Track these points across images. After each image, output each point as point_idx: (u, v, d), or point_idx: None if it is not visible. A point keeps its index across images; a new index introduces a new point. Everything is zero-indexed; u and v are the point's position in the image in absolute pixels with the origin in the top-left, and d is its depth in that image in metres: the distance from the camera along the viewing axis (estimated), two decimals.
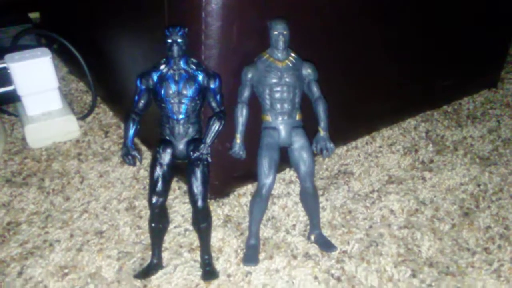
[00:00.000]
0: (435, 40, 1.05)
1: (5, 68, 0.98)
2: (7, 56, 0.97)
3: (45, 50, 0.99)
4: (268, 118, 0.75)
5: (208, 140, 0.70)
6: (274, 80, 0.73)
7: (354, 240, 0.80)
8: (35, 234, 0.79)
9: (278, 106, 0.74)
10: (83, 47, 1.07)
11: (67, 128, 1.02)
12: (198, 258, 0.75)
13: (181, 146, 0.71)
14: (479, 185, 0.94)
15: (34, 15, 1.35)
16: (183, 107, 0.70)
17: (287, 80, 0.73)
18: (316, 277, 0.74)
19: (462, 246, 0.81)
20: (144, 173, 0.93)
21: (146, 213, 0.83)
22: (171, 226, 0.80)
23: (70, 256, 0.76)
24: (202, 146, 0.70)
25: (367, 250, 0.79)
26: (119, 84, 1.04)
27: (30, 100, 1.00)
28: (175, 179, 0.89)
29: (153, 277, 0.73)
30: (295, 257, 0.77)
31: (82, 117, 1.09)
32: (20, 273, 0.73)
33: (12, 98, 1.04)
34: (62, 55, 1.24)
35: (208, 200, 0.73)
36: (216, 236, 0.80)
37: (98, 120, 1.09)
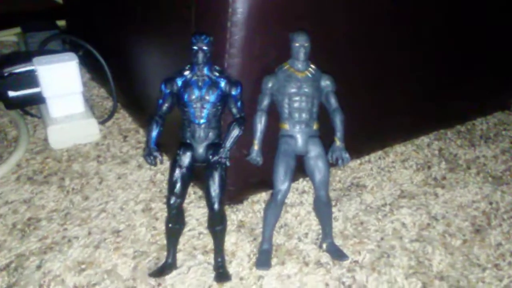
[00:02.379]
0: (452, 62, 1.06)
1: (32, 71, 1.02)
2: (35, 59, 1.00)
3: (72, 54, 1.02)
4: (286, 126, 0.77)
5: (228, 144, 0.72)
6: (293, 90, 0.76)
7: (366, 251, 0.81)
8: (54, 230, 0.82)
9: (296, 115, 0.76)
10: (106, 54, 1.11)
11: (88, 131, 1.05)
12: (212, 261, 0.76)
13: (201, 149, 0.74)
14: (491, 203, 0.95)
15: (61, 23, 1.40)
16: (204, 112, 0.72)
17: (306, 90, 0.76)
18: (327, 284, 0.75)
19: (473, 261, 0.81)
20: (160, 177, 0.96)
21: (162, 215, 0.85)
22: (185, 229, 0.82)
23: (88, 252, 0.78)
24: (221, 150, 0.72)
25: (378, 261, 0.80)
26: (139, 91, 1.07)
27: (54, 102, 1.03)
28: (191, 184, 0.91)
29: (167, 277, 0.74)
30: (306, 264, 0.78)
31: (102, 121, 1.12)
32: (39, 267, 0.75)
33: (37, 100, 1.07)
34: (85, 62, 1.28)
35: None
36: (230, 240, 0.81)
37: (118, 125, 1.12)
